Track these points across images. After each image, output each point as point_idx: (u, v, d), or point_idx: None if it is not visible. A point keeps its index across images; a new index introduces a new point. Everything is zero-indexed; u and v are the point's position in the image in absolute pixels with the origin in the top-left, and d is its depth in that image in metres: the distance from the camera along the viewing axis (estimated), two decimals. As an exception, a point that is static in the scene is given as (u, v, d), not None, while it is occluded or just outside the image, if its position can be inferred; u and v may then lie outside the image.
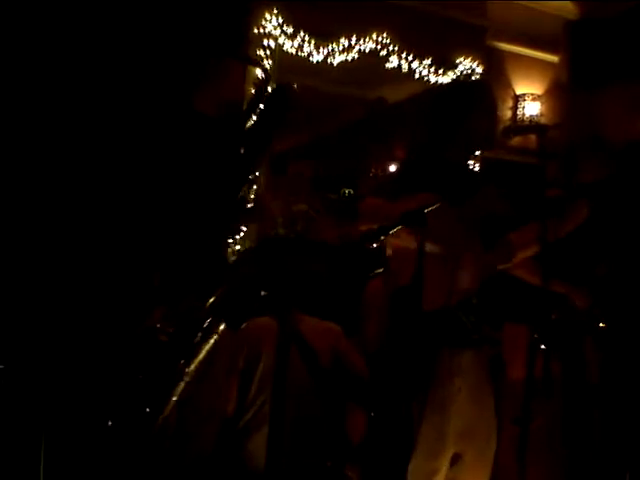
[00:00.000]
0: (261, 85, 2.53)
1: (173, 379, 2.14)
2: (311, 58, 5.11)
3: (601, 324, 3.04)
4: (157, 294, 2.28)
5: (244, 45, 4.78)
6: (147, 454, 2.17)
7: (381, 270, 2.74)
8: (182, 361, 2.16)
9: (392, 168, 5.06)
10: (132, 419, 2.15)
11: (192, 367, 2.16)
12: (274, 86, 2.57)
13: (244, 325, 2.80)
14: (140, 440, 2.14)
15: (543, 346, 2.57)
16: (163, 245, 2.41)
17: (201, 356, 2.18)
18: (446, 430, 2.56)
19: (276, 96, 2.36)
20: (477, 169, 2.86)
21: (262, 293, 2.38)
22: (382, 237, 2.24)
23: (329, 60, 5.19)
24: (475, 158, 2.82)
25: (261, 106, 2.42)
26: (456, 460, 2.64)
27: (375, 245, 2.26)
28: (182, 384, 2.15)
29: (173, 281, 2.29)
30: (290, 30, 5.01)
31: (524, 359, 2.49)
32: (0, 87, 3.00)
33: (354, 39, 5.22)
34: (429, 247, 2.30)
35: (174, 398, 2.15)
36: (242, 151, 2.42)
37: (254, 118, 2.46)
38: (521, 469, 2.44)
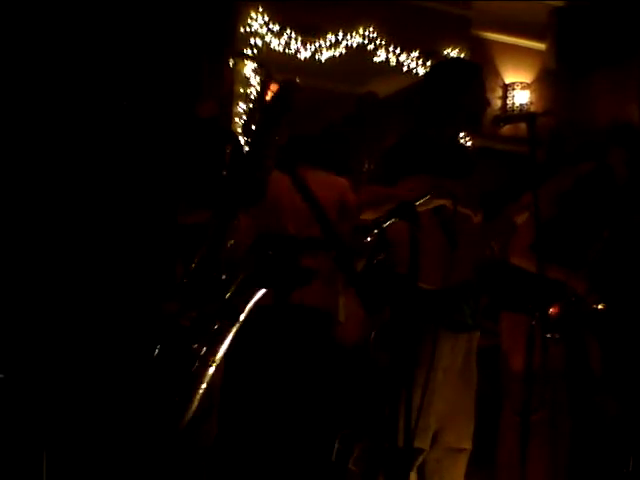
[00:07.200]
0: (265, 83, 2.50)
1: (197, 365, 2.10)
2: (298, 55, 5.10)
3: (600, 306, 3.05)
4: (179, 284, 2.25)
5: (234, 44, 4.77)
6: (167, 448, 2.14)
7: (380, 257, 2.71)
8: (205, 347, 2.12)
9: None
10: (155, 411, 2.11)
11: (219, 355, 2.12)
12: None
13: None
14: (162, 434, 2.10)
15: (545, 335, 2.57)
16: (183, 236, 2.39)
17: (225, 345, 2.13)
18: (430, 410, 2.54)
19: (282, 92, 2.36)
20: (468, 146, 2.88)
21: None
22: (375, 231, 2.23)
23: (317, 56, 5.17)
24: (465, 137, 2.84)
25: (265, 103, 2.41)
26: (434, 441, 2.64)
27: (369, 239, 2.25)
28: (211, 370, 2.11)
29: (194, 272, 2.26)
30: (277, 28, 5.00)
31: (524, 349, 2.49)
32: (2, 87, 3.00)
33: (341, 34, 5.21)
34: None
35: (203, 385, 2.11)
36: (249, 149, 2.42)
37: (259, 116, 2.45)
38: (523, 459, 2.44)
